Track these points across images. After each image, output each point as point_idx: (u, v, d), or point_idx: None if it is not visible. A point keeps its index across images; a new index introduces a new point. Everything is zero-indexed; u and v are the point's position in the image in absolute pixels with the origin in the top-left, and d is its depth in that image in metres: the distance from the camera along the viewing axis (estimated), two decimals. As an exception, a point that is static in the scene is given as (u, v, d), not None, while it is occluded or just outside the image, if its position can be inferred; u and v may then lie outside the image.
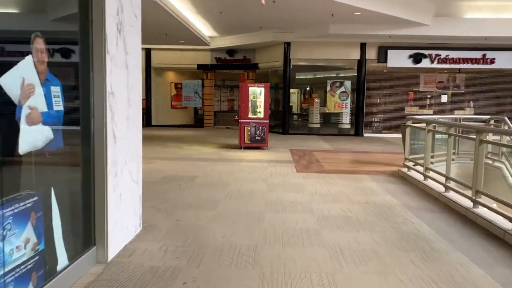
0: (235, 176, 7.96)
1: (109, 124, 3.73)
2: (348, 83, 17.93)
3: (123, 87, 4.06)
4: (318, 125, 18.95)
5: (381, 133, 18.55)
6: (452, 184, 6.52)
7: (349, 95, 17.95)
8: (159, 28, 15.24)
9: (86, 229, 3.74)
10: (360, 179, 7.94)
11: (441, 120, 9.17)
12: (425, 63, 17.54)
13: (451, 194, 6.33)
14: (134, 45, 4.35)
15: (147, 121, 20.61)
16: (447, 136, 7.08)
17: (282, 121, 18.12)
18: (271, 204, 5.91)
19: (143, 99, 20.29)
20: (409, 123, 8.86)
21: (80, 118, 3.67)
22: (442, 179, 6.80)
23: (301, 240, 4.46)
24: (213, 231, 4.68)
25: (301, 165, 9.45)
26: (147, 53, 20.43)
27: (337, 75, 20.61)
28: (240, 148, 12.17)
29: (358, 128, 17.93)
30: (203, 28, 17.05)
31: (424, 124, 7.90)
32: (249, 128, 12.06)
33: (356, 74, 17.95)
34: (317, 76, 23.30)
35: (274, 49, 18.28)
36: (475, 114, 18.58)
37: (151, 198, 6.13)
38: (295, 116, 22.32)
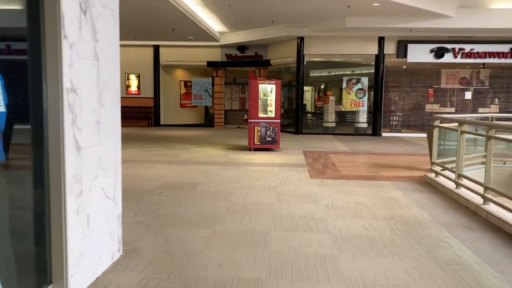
0: (241, 183, 7.12)
1: (68, 130, 2.92)
2: (365, 80, 16.94)
3: (91, 84, 3.24)
4: (333, 124, 18.00)
5: (400, 132, 17.51)
6: (490, 195, 5.57)
7: (366, 93, 16.96)
8: (165, 23, 14.48)
9: (40, 264, 2.94)
10: (382, 187, 7.03)
11: (475, 120, 8.18)
12: (447, 58, 16.44)
13: (492, 208, 5.38)
14: (108, 32, 3.53)
15: (155, 121, 19.91)
16: (474, 137, 6.12)
17: (295, 120, 17.22)
18: (280, 220, 5.05)
19: (151, 98, 19.64)
20: (436, 123, 7.90)
21: (30, 122, 2.87)
22: (479, 188, 5.86)
23: (315, 272, 3.59)
24: (208, 258, 3.85)
25: (316, 170, 8.56)
26: (155, 50, 19.71)
27: (352, 72, 19.62)
28: (250, 150, 11.32)
29: (375, 127, 16.92)
30: (212, 22, 16.24)
31: (456, 124, 6.94)
32: (259, 129, 11.21)
33: (373, 70, 16.96)
34: (332, 73, 22.37)
35: (287, 44, 17.38)
36: (500, 112, 17.43)
37: (143, 211, 5.33)
38: (308, 115, 21.40)
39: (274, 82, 11.34)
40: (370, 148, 12.71)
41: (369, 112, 18.03)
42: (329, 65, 20.30)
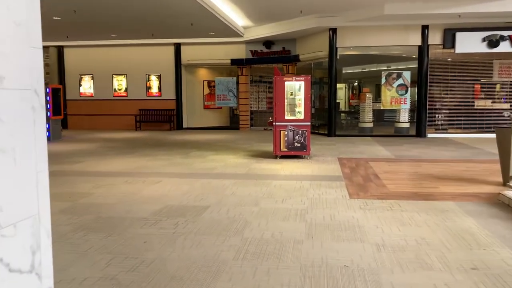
0: (261, 206, 5.59)
1: None
2: (407, 74, 15.05)
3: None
4: (370, 125, 16.21)
5: (446, 132, 15.53)
6: None
7: (409, 88, 15.07)
8: (183, 17, 13.12)
9: None
10: (445, 211, 5.33)
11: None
12: (503, 47, 14.34)
13: None
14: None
15: (177, 124, 18.66)
16: None
17: (327, 121, 15.53)
18: (312, 273, 3.49)
19: (173, 100, 18.41)
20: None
21: None
22: None
23: None
24: None
25: (355, 185, 6.92)
26: (176, 49, 18.45)
27: (388, 67, 17.74)
28: (275, 157, 9.78)
29: (420, 127, 15.01)
30: (235, 16, 14.79)
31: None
32: (286, 133, 9.65)
33: (414, 63, 15.08)
34: (367, 69, 20.53)
35: (318, 37, 15.71)
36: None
37: (121, 255, 3.89)
38: (342, 115, 19.63)
39: (303, 78, 9.75)
40: (417, 153, 10.90)
41: (410, 110, 16.15)
42: (365, 59, 18.46)
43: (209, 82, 19.42)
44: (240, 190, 6.57)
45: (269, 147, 11.09)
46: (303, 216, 5.13)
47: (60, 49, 19.33)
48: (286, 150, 9.70)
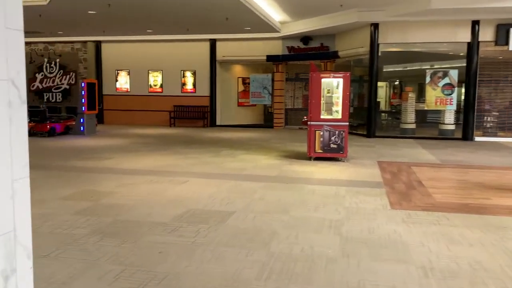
0: (291, 215, 5.09)
1: None
2: (454, 73, 14.06)
3: None
4: (412, 126, 15.31)
5: (496, 136, 14.42)
6: None
7: (456, 88, 14.09)
8: (218, 11, 12.76)
9: None
10: (502, 228, 4.66)
11: None
12: None
13: None
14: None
15: (211, 121, 18.39)
16: None
17: (366, 120, 14.78)
18: (345, 302, 2.97)
19: (207, 97, 18.16)
20: None
21: None
22: None
23: None
24: None
25: (397, 193, 6.30)
26: (212, 45, 18.16)
27: (431, 65, 16.72)
28: (310, 159, 9.23)
29: (467, 130, 14.02)
30: (271, 10, 14.29)
31: None
32: (321, 133, 9.09)
33: (461, 62, 14.08)
34: (410, 68, 19.51)
35: (358, 32, 14.98)
36: None
37: (132, 267, 3.50)
38: (382, 115, 18.74)
39: (342, 75, 9.14)
40: (465, 158, 10.06)
41: (456, 112, 15.14)
42: (408, 57, 17.51)
43: (243, 79, 19.03)
44: (270, 194, 6.09)
45: (303, 148, 10.53)
46: (338, 228, 4.59)
47: (98, 44, 19.46)
48: (321, 151, 9.13)
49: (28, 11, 12.56)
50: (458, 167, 8.76)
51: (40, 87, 20.42)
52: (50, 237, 4.25)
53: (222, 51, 18.16)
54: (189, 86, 18.68)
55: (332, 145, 9.08)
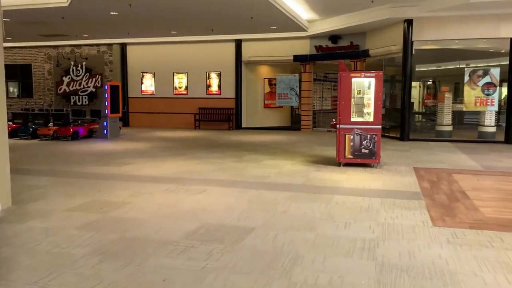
0: (317, 232, 4.49)
1: None
2: (495, 71, 13.06)
3: None
4: (449, 128, 14.37)
5: (541, 138, 13.31)
6: None
7: (497, 88, 13.08)
8: (243, 9, 12.25)
9: None
10: None
11: None
12: None
13: None
14: None
15: (236, 124, 17.92)
16: None
17: (400, 122, 13.95)
18: None
19: (232, 98, 17.71)
20: None
21: None
22: None
23: None
24: None
25: (439, 206, 5.59)
26: (237, 45, 17.69)
27: (468, 65, 15.68)
28: (339, 165, 8.57)
29: (510, 132, 12.99)
30: (298, 8, 13.68)
31: None
32: (351, 137, 8.42)
33: (507, 59, 13.05)
34: (445, 67, 18.49)
35: (391, 30, 14.17)
36: None
37: (129, 300, 3.00)
38: (416, 116, 17.79)
39: (374, 74, 8.45)
40: (511, 164, 9.16)
41: (498, 112, 14.11)
42: (444, 54, 16.54)
43: (270, 80, 18.48)
44: (294, 207, 5.50)
45: (332, 152, 9.89)
46: (372, 250, 3.96)
47: (123, 47, 19.33)
48: (352, 157, 8.46)
49: (50, 13, 12.44)
50: (505, 174, 7.92)
51: (67, 90, 20.48)
52: (46, 257, 3.80)
53: (248, 51, 17.66)
54: (214, 88, 18.27)
55: (363, 150, 8.39)
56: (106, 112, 14.20)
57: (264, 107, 18.57)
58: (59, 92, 20.59)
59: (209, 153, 10.53)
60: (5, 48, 18.44)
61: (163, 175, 7.72)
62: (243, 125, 18.01)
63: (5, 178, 5.45)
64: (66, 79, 20.45)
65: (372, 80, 8.39)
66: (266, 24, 14.83)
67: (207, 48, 18.02)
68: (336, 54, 16.19)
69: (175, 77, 18.78)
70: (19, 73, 21.19)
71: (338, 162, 8.61)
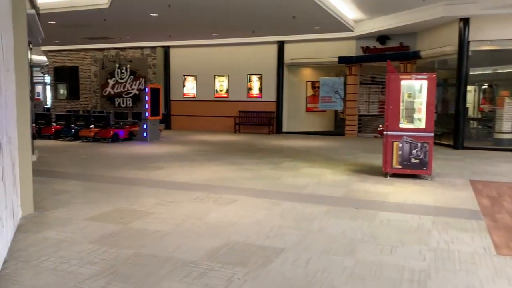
0: (357, 258, 3.88)
1: None
2: None
3: None
4: (509, 136, 13.11)
5: None
6: None
7: None
8: (285, 8, 11.73)
9: None
10: None
11: None
12: None
13: None
14: None
15: (277, 128, 17.39)
16: None
17: (454, 129, 12.89)
18: None
19: (273, 102, 17.21)
20: None
21: None
22: None
23: None
24: None
25: (502, 229, 4.79)
26: (280, 47, 17.17)
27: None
28: (385, 175, 7.84)
29: None
30: (344, 7, 12.99)
31: None
32: (400, 145, 7.67)
33: None
34: (502, 70, 17.04)
35: (445, 29, 13.16)
36: None
37: None
38: (471, 122, 16.49)
39: (426, 76, 7.66)
40: None
41: None
42: (503, 56, 15.21)
43: (313, 83, 17.82)
44: (332, 224, 4.89)
45: (378, 161, 9.15)
46: (423, 284, 3.30)
47: (166, 49, 19.34)
48: (400, 167, 7.71)
49: (91, 15, 12.46)
50: None
51: (112, 92, 20.74)
52: (50, 276, 3.44)
53: (290, 53, 17.11)
54: (255, 91, 17.84)
55: (413, 160, 7.62)
56: (146, 115, 14.11)
57: (306, 111, 17.93)
58: (104, 94, 20.91)
59: (245, 159, 10.07)
60: (54, 51, 18.85)
61: (194, 182, 7.32)
62: (284, 129, 17.45)
63: (28, 185, 5.21)
64: (111, 82, 20.73)
65: (424, 83, 7.61)
66: (309, 25, 14.23)
67: (248, 50, 17.64)
68: (384, 56, 15.27)
69: (216, 80, 18.53)
70: (67, 75, 21.74)
71: (384, 172, 7.88)
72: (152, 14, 12.42)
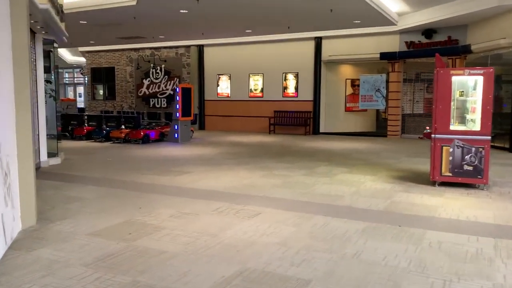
0: (401, 297, 3.09)
1: None
2: None
3: None
4: None
5: None
6: None
7: None
8: (321, 2, 10.92)
9: None
10: None
11: None
12: None
13: None
14: None
15: (314, 129, 16.56)
16: None
17: (510, 130, 11.62)
18: None
19: (310, 101, 16.40)
20: None
21: None
22: None
23: None
24: None
25: None
26: (317, 43, 16.34)
27: None
28: (433, 184, 6.91)
29: None
30: (386, -1, 12.03)
31: None
32: (451, 150, 6.72)
33: None
34: None
35: (499, 20, 11.92)
36: None
37: None
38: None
39: (482, 71, 6.67)
40: None
41: None
42: None
43: (352, 81, 16.85)
44: (370, 247, 4.10)
45: (425, 166, 8.20)
46: None
47: (200, 48, 18.93)
48: (451, 174, 6.76)
49: (120, 13, 12.13)
50: None
51: (147, 92, 20.59)
52: (25, 311, 2.88)
53: (329, 49, 16.24)
54: (290, 89, 17.09)
55: (466, 167, 6.65)
56: (177, 115, 13.68)
57: (345, 111, 16.99)
58: (139, 94, 20.80)
59: (277, 162, 9.36)
60: (91, 52, 18.78)
61: (218, 189, 6.70)
62: (321, 130, 16.59)
63: (29, 194, 4.74)
64: (146, 82, 20.58)
65: (480, 79, 6.62)
66: (348, 19, 13.33)
67: (284, 47, 16.91)
68: (431, 51, 14.13)
69: (251, 79, 17.91)
70: (103, 76, 21.82)
71: (432, 180, 6.94)
72: (181, 11, 11.93)
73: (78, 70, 29.83)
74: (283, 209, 5.50)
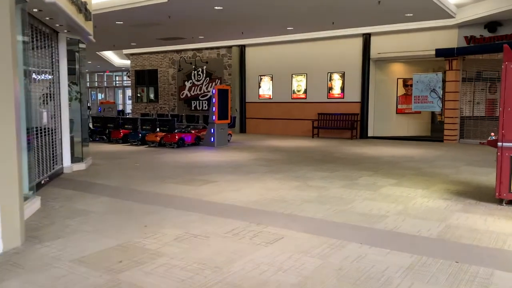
0: None
1: None
2: None
3: None
4: None
5: None
6: None
7: None
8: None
9: None
10: None
11: None
12: None
13: None
14: None
15: (361, 132, 15.36)
16: None
17: None
18: None
19: (357, 103, 15.24)
20: None
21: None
22: None
23: None
24: None
25: None
26: (365, 40, 15.15)
27: None
28: (500, 202, 5.69)
29: None
30: (442, -13, 10.71)
31: None
32: (523, 162, 5.48)
33: None
34: None
35: None
36: None
37: None
38: None
39: None
40: None
41: None
42: None
43: (404, 80, 15.50)
44: (416, 296, 3.10)
45: (488, 178, 6.94)
46: None
47: (242, 49, 18.26)
48: (522, 192, 5.52)
49: (153, 12, 11.64)
50: None
51: (189, 95, 20.25)
52: None
53: (378, 47, 15.00)
54: (336, 90, 15.99)
55: (543, 183, 5.39)
56: (213, 118, 13.03)
57: (396, 113, 15.65)
58: (181, 97, 20.49)
59: (315, 171, 8.40)
60: (135, 54, 18.61)
61: (240, 203, 5.87)
62: (370, 134, 15.36)
63: (14, 211, 4.14)
64: (188, 84, 20.24)
65: (562, 74, 5.35)
66: (399, 12, 12.08)
67: (329, 45, 15.86)
68: (494, 46, 12.57)
69: (294, 80, 16.99)
70: (147, 78, 21.73)
71: (498, 197, 5.73)
72: (216, 7, 11.26)
73: (125, 73, 30.24)
74: (310, 233, 4.57)
